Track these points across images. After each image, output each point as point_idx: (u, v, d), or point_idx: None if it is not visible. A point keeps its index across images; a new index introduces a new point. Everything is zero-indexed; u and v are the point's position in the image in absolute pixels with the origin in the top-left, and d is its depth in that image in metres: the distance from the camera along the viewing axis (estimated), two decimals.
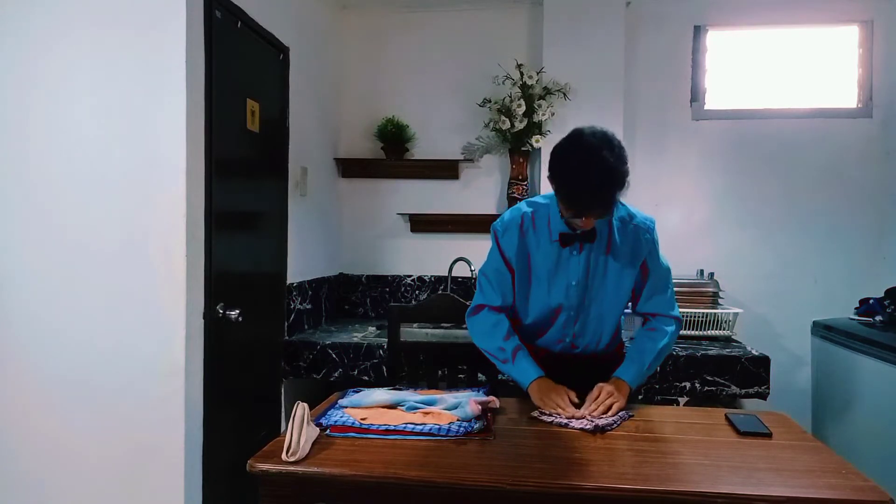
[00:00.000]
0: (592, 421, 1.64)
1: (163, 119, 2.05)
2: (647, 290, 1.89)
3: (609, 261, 1.83)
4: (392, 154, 3.45)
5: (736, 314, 3.00)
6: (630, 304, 1.94)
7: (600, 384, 1.76)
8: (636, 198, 3.28)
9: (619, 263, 1.83)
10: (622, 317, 1.96)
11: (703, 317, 2.98)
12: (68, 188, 2.11)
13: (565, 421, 1.66)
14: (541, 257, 1.85)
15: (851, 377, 2.90)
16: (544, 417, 1.70)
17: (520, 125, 3.19)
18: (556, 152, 1.69)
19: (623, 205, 1.85)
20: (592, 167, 1.60)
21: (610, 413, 1.68)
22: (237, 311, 2.29)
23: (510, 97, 3.22)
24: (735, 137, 3.35)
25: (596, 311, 1.88)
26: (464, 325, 3.18)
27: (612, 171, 1.61)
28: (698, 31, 3.38)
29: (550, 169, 1.70)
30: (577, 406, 1.73)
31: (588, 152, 1.62)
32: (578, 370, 1.87)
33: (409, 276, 3.54)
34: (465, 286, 3.44)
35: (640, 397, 2.70)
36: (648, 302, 1.90)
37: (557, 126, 3.24)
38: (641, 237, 1.84)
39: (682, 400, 2.74)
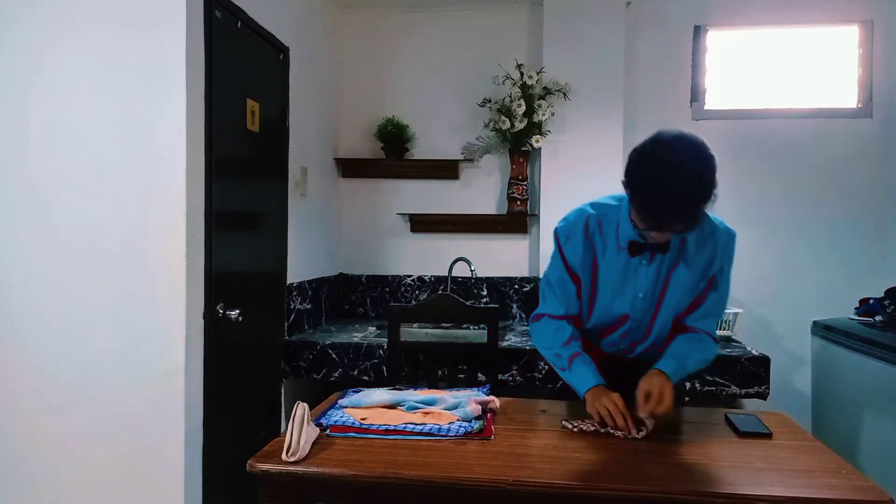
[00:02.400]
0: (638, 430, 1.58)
1: (163, 119, 2.05)
2: (706, 307, 1.75)
3: (680, 271, 1.69)
4: (392, 154, 3.45)
5: (736, 314, 3.00)
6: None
7: (648, 382, 1.61)
8: None
9: (691, 274, 1.70)
10: None
11: None
12: (68, 188, 2.11)
13: (593, 429, 1.60)
14: (606, 264, 1.72)
15: (851, 377, 2.90)
16: (569, 426, 1.63)
17: (520, 125, 3.19)
18: (636, 159, 1.53)
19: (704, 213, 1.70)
20: (677, 181, 1.44)
21: (662, 407, 1.57)
22: (237, 311, 2.29)
23: (510, 97, 3.22)
24: (735, 137, 3.35)
25: (660, 322, 1.76)
26: (464, 326, 3.21)
27: (699, 186, 1.45)
28: (698, 31, 3.38)
29: (627, 176, 1.53)
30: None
31: (675, 166, 1.46)
32: (627, 374, 1.71)
33: (409, 276, 3.54)
34: (465, 286, 3.44)
35: None
36: (701, 320, 1.76)
37: (557, 126, 3.25)
38: (720, 249, 1.70)
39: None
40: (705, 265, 1.71)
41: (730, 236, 1.73)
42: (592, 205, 1.77)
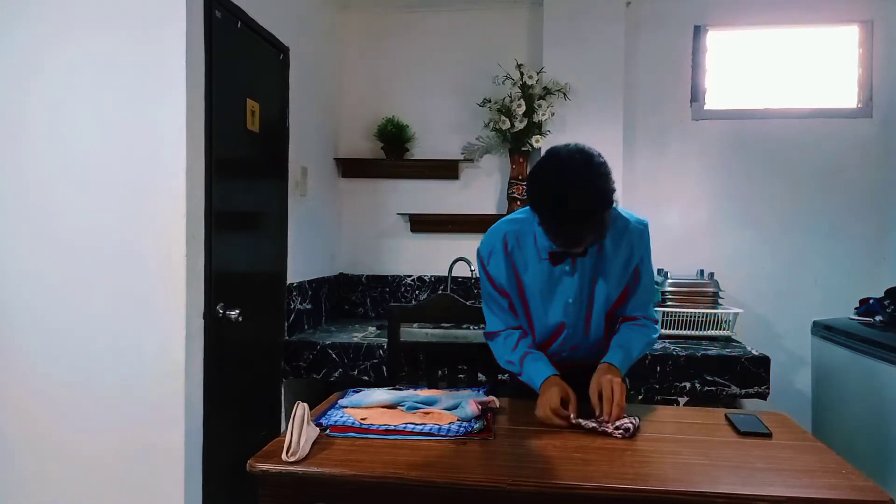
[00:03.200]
0: (619, 428, 1.58)
1: (163, 119, 2.05)
2: (636, 297, 1.80)
3: (602, 271, 1.73)
4: (392, 154, 3.45)
5: (736, 314, 3.00)
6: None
7: (597, 381, 1.63)
8: (636, 198, 3.30)
9: (614, 271, 1.74)
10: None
11: (703, 317, 2.98)
12: (68, 188, 2.11)
13: (591, 426, 1.59)
14: (530, 277, 1.76)
15: (851, 377, 2.90)
16: (584, 423, 1.61)
17: (520, 125, 3.19)
18: (534, 180, 1.56)
19: (614, 208, 1.72)
20: (575, 198, 1.46)
21: (616, 408, 1.59)
22: (237, 311, 2.29)
23: (510, 97, 3.22)
24: (735, 137, 3.35)
25: (595, 323, 1.80)
26: (464, 326, 3.21)
27: (596, 198, 1.48)
28: (698, 31, 3.38)
29: (529, 197, 1.57)
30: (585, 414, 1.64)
31: (569, 181, 1.48)
32: (580, 379, 1.73)
33: (409, 276, 3.54)
34: (465, 286, 3.44)
35: (640, 398, 2.70)
36: (635, 309, 1.82)
37: (557, 126, 3.25)
38: (635, 241, 1.74)
39: (682, 400, 2.74)
40: (625, 260, 1.75)
41: (642, 227, 1.77)
42: (507, 221, 1.81)
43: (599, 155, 1.54)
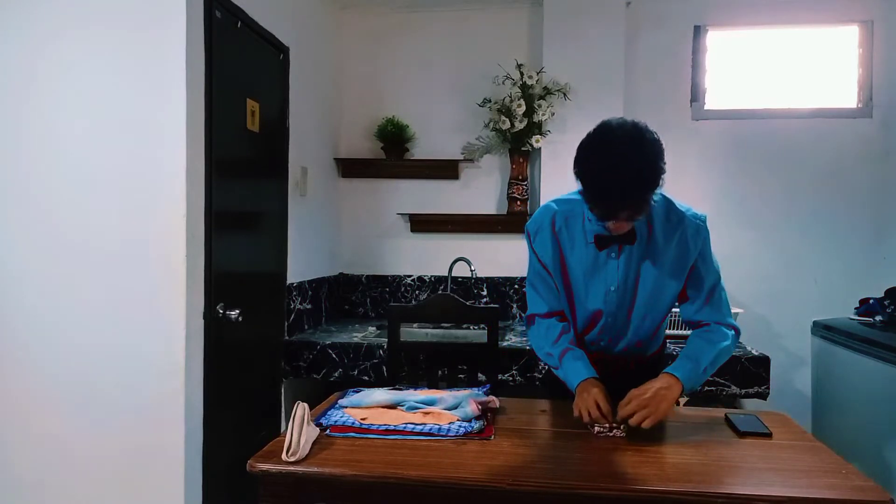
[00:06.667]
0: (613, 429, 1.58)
1: (163, 119, 2.05)
2: (700, 297, 1.72)
3: (651, 263, 1.68)
4: (392, 154, 3.45)
5: (736, 314, 2.99)
6: (678, 308, 1.78)
7: (636, 392, 1.58)
8: None
9: (664, 265, 1.68)
10: (666, 320, 1.83)
11: None
12: (68, 188, 2.11)
13: (606, 433, 1.58)
14: (575, 260, 1.73)
15: (851, 377, 2.90)
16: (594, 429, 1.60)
17: (520, 125, 3.19)
18: (582, 149, 1.54)
19: (669, 199, 1.69)
20: (619, 168, 1.44)
21: (644, 422, 1.54)
22: (237, 311, 2.29)
23: (510, 97, 3.22)
24: (735, 137, 3.35)
25: (637, 316, 1.74)
26: (464, 326, 3.22)
27: (641, 171, 1.45)
28: (698, 31, 3.38)
29: (575, 167, 1.54)
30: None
31: (615, 151, 1.46)
32: (615, 374, 1.72)
33: (409, 276, 3.54)
34: (465, 286, 3.44)
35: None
36: (701, 311, 1.73)
37: (557, 126, 3.25)
38: (690, 237, 1.67)
39: (682, 400, 2.73)
40: (677, 254, 1.69)
41: (699, 223, 1.70)
42: (557, 201, 1.78)
43: (654, 133, 1.51)
